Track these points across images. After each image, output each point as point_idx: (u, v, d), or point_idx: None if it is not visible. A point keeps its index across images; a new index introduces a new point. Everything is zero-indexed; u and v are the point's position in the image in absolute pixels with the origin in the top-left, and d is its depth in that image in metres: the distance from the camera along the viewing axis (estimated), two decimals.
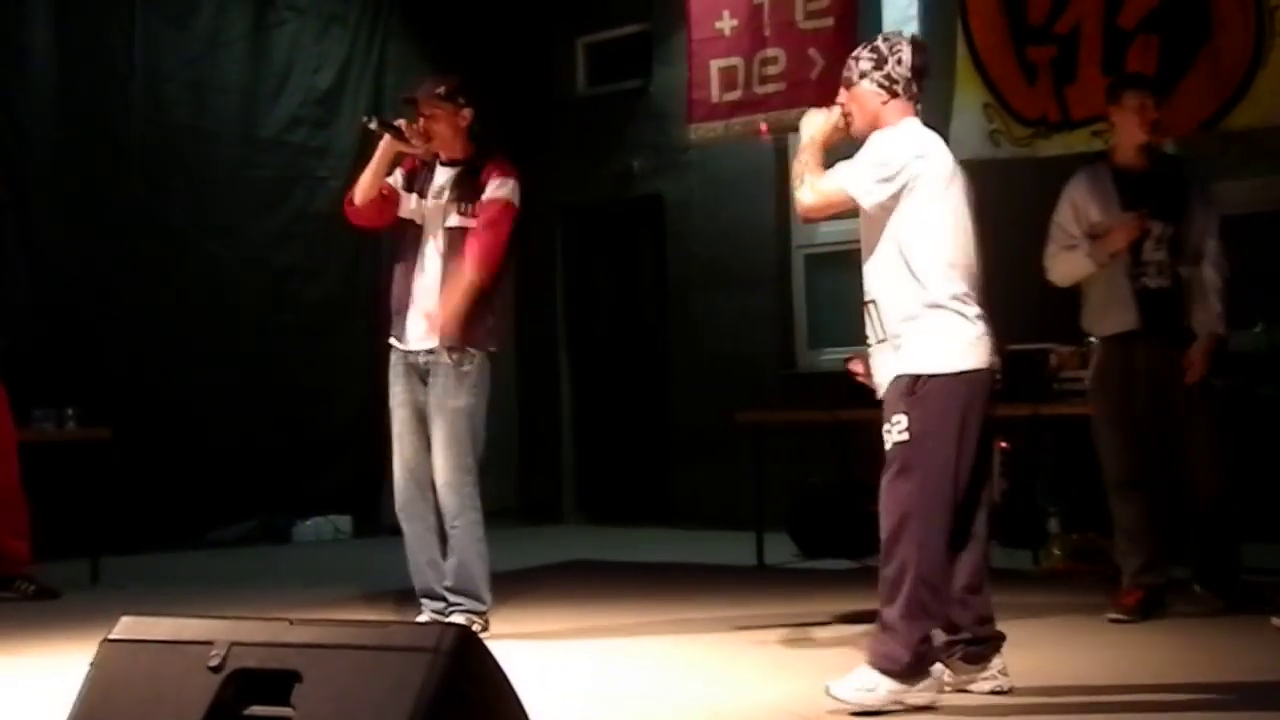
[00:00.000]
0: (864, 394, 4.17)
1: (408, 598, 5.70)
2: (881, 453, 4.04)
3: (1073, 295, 5.62)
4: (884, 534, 3.91)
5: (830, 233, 9.06)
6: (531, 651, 5.01)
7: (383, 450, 5.71)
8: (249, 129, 9.64)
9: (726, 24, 7.99)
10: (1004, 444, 7.56)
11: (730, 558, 7.66)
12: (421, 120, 5.46)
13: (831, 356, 6.62)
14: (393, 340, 5.52)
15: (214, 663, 2.64)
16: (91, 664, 2.76)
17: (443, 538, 5.44)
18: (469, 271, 5.35)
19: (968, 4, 7.19)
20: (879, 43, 4.13)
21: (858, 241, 4.17)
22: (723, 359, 9.81)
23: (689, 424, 10.01)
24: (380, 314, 5.71)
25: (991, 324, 4.03)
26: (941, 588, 3.95)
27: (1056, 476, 7.26)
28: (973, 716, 3.94)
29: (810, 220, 4.44)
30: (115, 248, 8.88)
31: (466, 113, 5.50)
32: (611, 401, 10.79)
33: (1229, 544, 5.50)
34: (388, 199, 5.51)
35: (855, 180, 3.96)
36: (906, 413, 3.89)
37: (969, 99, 7.11)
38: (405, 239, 5.53)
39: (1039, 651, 4.62)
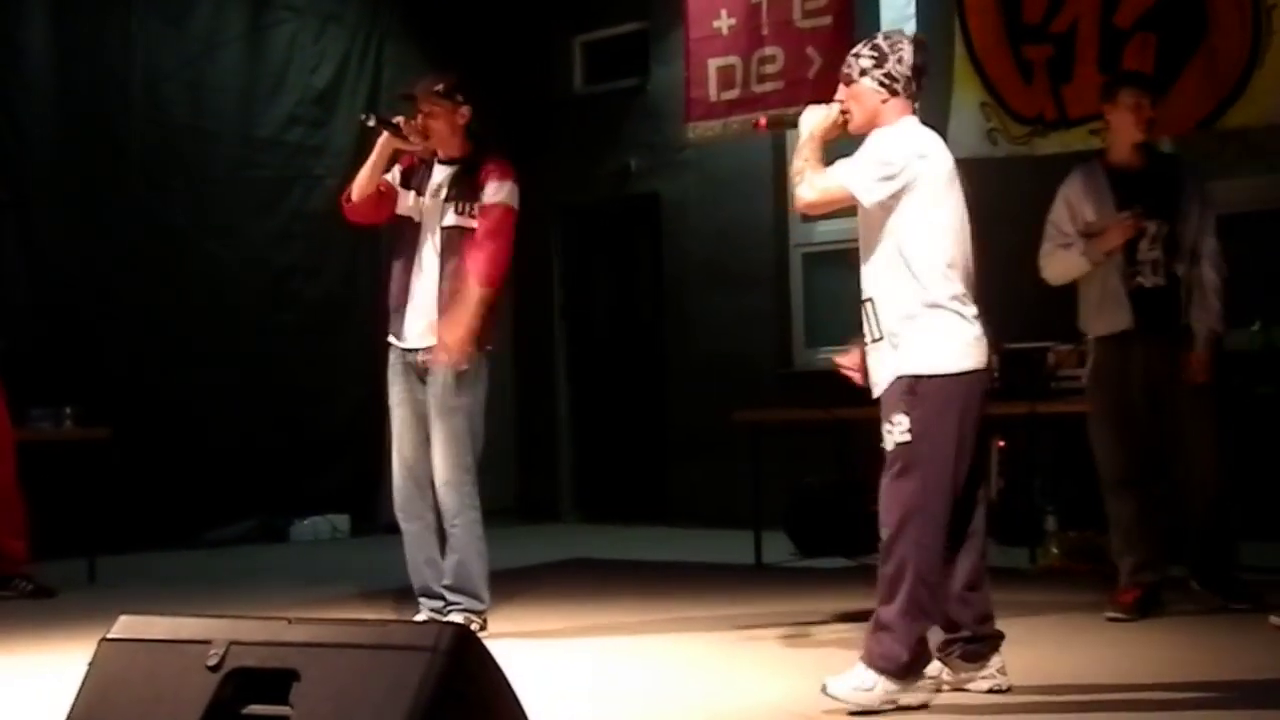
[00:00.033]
0: (858, 392, 4.16)
1: (406, 597, 5.70)
2: (878, 452, 4.05)
3: (1070, 294, 5.62)
4: (884, 533, 3.91)
5: (828, 231, 9.07)
6: (530, 650, 5.01)
7: (381, 449, 5.71)
8: (247, 128, 9.64)
9: (724, 23, 8.01)
10: (1001, 442, 7.57)
11: (728, 556, 7.66)
12: (420, 117, 5.46)
13: (829, 355, 6.60)
14: (391, 338, 5.52)
15: (212, 662, 2.64)
16: (90, 663, 2.76)
17: (441, 537, 5.44)
18: (475, 286, 5.33)
19: (965, 3, 7.20)
20: (879, 40, 4.11)
21: (855, 240, 4.17)
22: (720, 358, 9.81)
23: (686, 423, 10.01)
24: (379, 312, 5.71)
25: (987, 324, 4.03)
26: (938, 587, 3.96)
27: (1054, 475, 7.27)
28: (971, 715, 3.94)
29: (809, 216, 4.45)
30: (114, 247, 8.88)
31: (465, 110, 5.50)
32: (609, 400, 10.79)
33: (1226, 542, 5.50)
34: (385, 195, 5.51)
35: (856, 178, 3.96)
36: (908, 413, 3.89)
37: (966, 98, 7.13)
38: (403, 236, 5.53)
39: (1037, 650, 4.62)
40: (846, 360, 4.34)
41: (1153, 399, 5.44)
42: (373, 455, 9.17)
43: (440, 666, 2.49)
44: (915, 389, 3.90)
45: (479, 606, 5.39)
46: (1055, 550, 6.81)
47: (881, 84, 4.05)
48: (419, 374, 5.44)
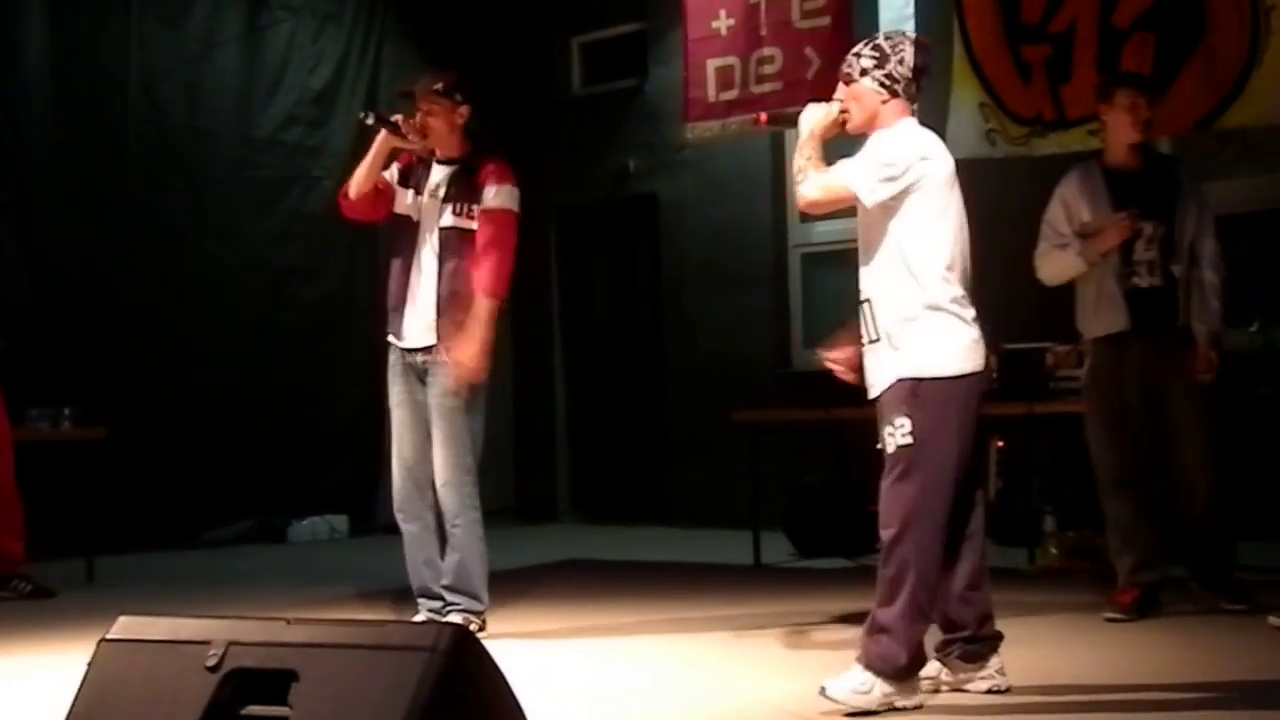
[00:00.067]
0: (857, 392, 4.16)
1: (404, 597, 5.70)
2: (876, 452, 4.05)
3: (1069, 294, 5.62)
4: (885, 536, 3.91)
5: (826, 232, 9.08)
6: (528, 650, 5.01)
7: (380, 450, 5.71)
8: (245, 129, 9.64)
9: (723, 23, 8.02)
10: (1000, 443, 7.57)
11: (727, 557, 7.66)
12: (418, 116, 5.46)
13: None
14: (391, 338, 5.52)
15: (211, 662, 2.64)
16: (89, 663, 2.76)
17: (441, 537, 5.43)
18: (482, 299, 5.33)
19: (964, 3, 7.20)
20: (881, 40, 4.10)
21: (854, 241, 4.16)
22: (719, 358, 9.81)
23: (685, 423, 10.01)
24: (377, 312, 5.70)
25: (984, 325, 4.03)
26: (936, 589, 3.96)
27: (1052, 475, 7.27)
28: (970, 716, 3.94)
29: (811, 214, 4.45)
30: (113, 248, 8.88)
31: (463, 110, 5.50)
32: (607, 401, 10.80)
33: (1224, 543, 5.49)
34: (382, 193, 5.50)
35: (859, 178, 3.95)
36: (910, 416, 3.88)
37: (965, 98, 7.13)
38: (402, 236, 5.52)
39: (1036, 650, 4.62)
40: (834, 355, 4.35)
41: (1149, 400, 5.44)
42: (371, 456, 9.19)
43: (439, 667, 2.50)
44: (917, 391, 3.89)
45: (478, 607, 5.38)
46: (1054, 550, 6.81)
47: (882, 84, 4.04)
48: (419, 375, 5.44)
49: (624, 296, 10.93)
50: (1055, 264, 5.56)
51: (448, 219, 5.41)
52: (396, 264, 5.51)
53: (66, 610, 6.23)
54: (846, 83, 4.11)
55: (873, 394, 4.06)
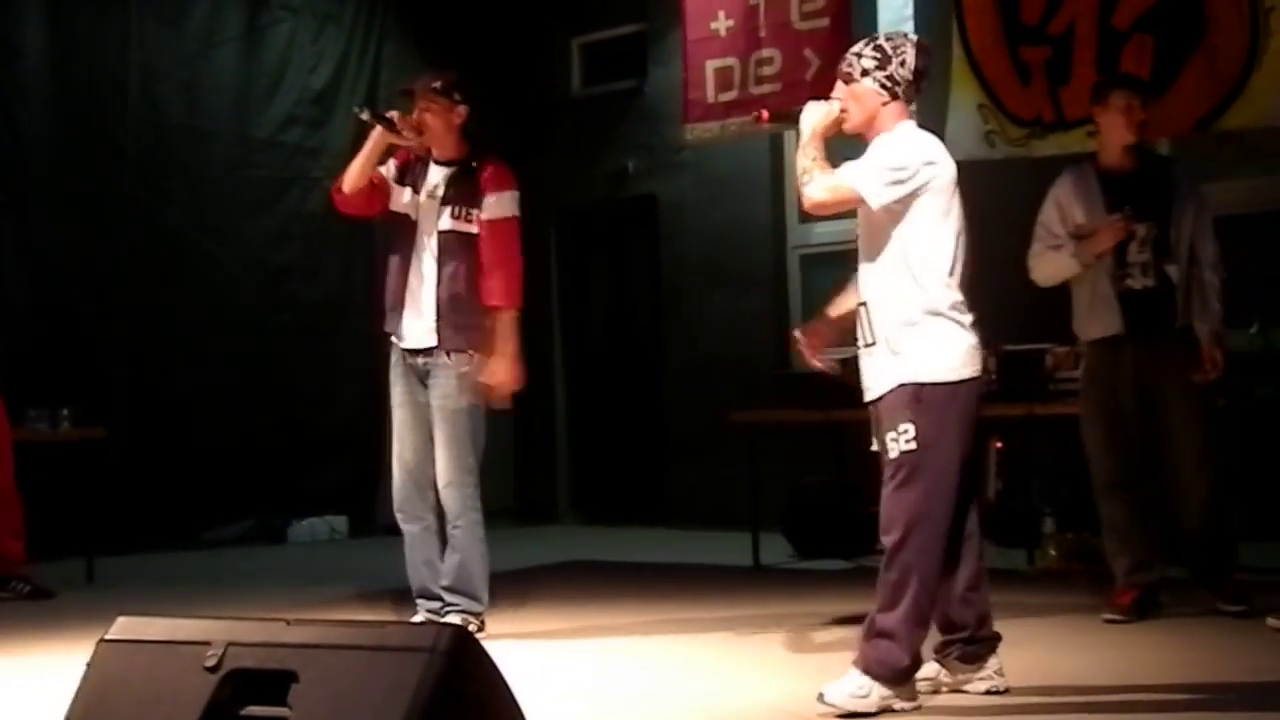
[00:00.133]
0: (856, 393, 4.16)
1: (404, 598, 5.70)
2: (873, 454, 4.06)
3: (1068, 295, 5.62)
4: (888, 541, 3.90)
5: (825, 233, 9.08)
6: (528, 651, 5.01)
7: (379, 450, 5.71)
8: (244, 129, 9.64)
9: (722, 24, 8.02)
10: (999, 444, 7.58)
11: (726, 558, 7.66)
12: (416, 113, 5.45)
13: (828, 357, 6.60)
14: (392, 337, 5.51)
15: (210, 663, 2.64)
16: (88, 664, 2.77)
17: (442, 538, 5.43)
18: (504, 311, 5.41)
19: (963, 4, 7.20)
20: (882, 41, 4.09)
21: (853, 242, 4.16)
22: (718, 359, 9.81)
23: (684, 424, 10.01)
24: (375, 311, 5.70)
25: (981, 329, 4.03)
26: (937, 594, 3.97)
27: (1052, 476, 7.26)
28: (969, 716, 3.94)
29: (816, 215, 4.42)
30: (112, 248, 8.89)
31: (461, 109, 5.49)
32: (607, 401, 10.80)
33: (1222, 544, 5.48)
34: (377, 188, 5.49)
35: (866, 181, 3.93)
36: (913, 421, 3.88)
37: (964, 100, 7.13)
38: (399, 234, 5.51)
39: (1035, 651, 4.62)
40: (805, 338, 4.35)
41: (1144, 402, 5.44)
42: (371, 456, 9.18)
43: (438, 667, 2.50)
44: (920, 396, 3.89)
45: (477, 608, 5.38)
46: (1053, 552, 6.81)
47: (883, 86, 4.03)
48: (420, 376, 5.44)
49: (623, 297, 10.93)
50: (1049, 265, 5.56)
51: (446, 222, 5.41)
52: (394, 262, 5.50)
53: (66, 611, 6.22)
54: (846, 82, 4.09)
55: (869, 397, 4.06)
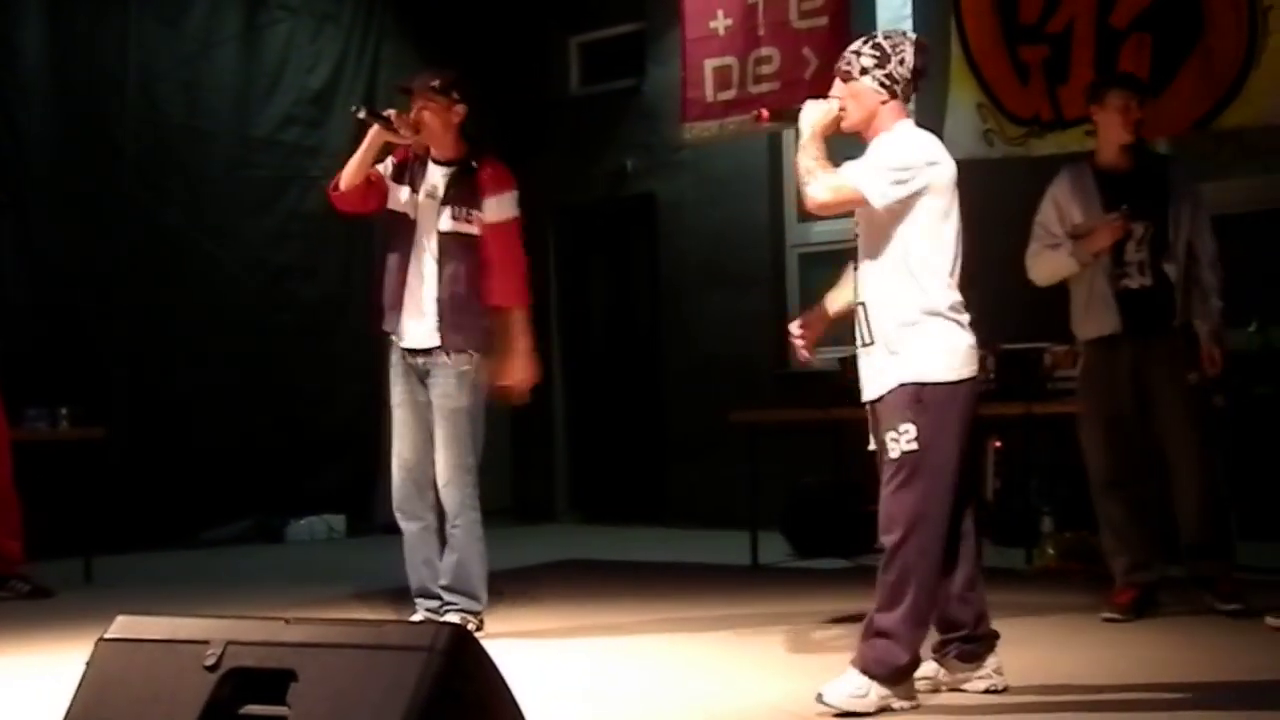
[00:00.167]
0: (855, 393, 4.16)
1: (402, 597, 5.70)
2: (871, 453, 4.06)
3: (1066, 294, 5.62)
4: (887, 541, 3.90)
5: (824, 232, 9.09)
6: (527, 650, 5.01)
7: (378, 450, 5.72)
8: (243, 128, 9.64)
9: (720, 23, 8.02)
10: (998, 443, 7.58)
11: (725, 557, 7.66)
12: (413, 111, 5.45)
13: (826, 356, 6.61)
14: (392, 336, 5.51)
15: (210, 662, 2.64)
16: (87, 663, 2.76)
17: (441, 537, 5.43)
18: (516, 309, 5.50)
19: (961, 3, 7.20)
20: (881, 40, 4.07)
21: (851, 241, 4.16)
22: (717, 358, 9.81)
23: (683, 423, 10.01)
24: (374, 309, 5.69)
25: (978, 329, 4.02)
26: (935, 593, 3.97)
27: (1050, 476, 7.27)
28: (968, 716, 3.94)
29: (819, 215, 4.41)
30: (112, 247, 8.89)
31: (459, 109, 5.48)
32: (606, 401, 10.80)
33: (1220, 544, 5.48)
34: (374, 186, 5.48)
35: (869, 181, 3.92)
36: (914, 421, 3.87)
37: (963, 99, 7.13)
38: (398, 233, 5.50)
39: (1033, 650, 4.63)
40: (799, 330, 4.35)
41: (1141, 400, 5.44)
42: (369, 455, 9.19)
43: (437, 666, 2.50)
44: (920, 397, 3.88)
45: (476, 607, 5.38)
46: (1051, 551, 6.81)
47: (882, 85, 4.02)
48: (420, 375, 5.44)
49: (622, 296, 10.93)
50: (1047, 264, 5.56)
51: (446, 223, 5.41)
52: (393, 260, 5.50)
53: (64, 610, 6.22)
54: (845, 80, 4.08)
55: (866, 397, 4.06)
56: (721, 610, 6.03)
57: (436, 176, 5.47)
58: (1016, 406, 6.55)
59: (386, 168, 5.53)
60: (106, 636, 2.78)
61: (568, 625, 5.69)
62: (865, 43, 4.09)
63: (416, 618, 5.37)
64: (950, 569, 4.02)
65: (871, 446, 4.09)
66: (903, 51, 4.04)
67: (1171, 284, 5.41)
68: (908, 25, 8.07)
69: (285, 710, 2.57)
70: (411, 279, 5.43)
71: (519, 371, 5.51)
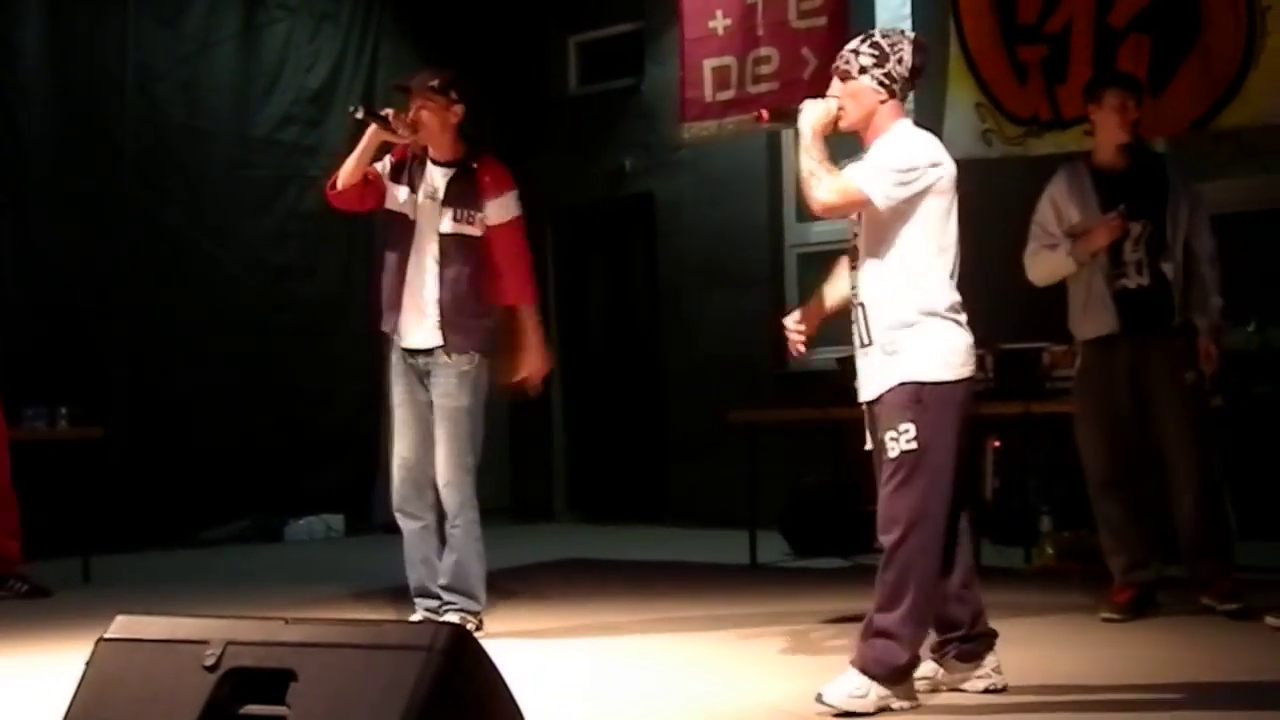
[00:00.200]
0: (854, 392, 4.15)
1: (401, 596, 5.70)
2: (866, 453, 4.06)
3: (1065, 294, 5.62)
4: (887, 541, 3.89)
5: (823, 232, 9.08)
6: (526, 650, 5.01)
7: (376, 450, 5.72)
8: (242, 128, 9.64)
9: (719, 23, 8.02)
10: (997, 443, 7.58)
11: (724, 557, 7.66)
12: (411, 110, 5.44)
13: (825, 356, 6.62)
14: (392, 336, 5.51)
15: (209, 662, 2.64)
16: (87, 663, 2.76)
17: (440, 537, 5.43)
18: (526, 306, 5.55)
19: (960, 3, 7.21)
20: (879, 39, 4.06)
21: (851, 241, 4.16)
22: (716, 358, 9.81)
23: (682, 423, 10.01)
24: (372, 309, 5.70)
25: (975, 329, 4.02)
26: (935, 593, 3.97)
27: (1049, 475, 7.27)
28: (967, 715, 3.94)
29: (824, 217, 4.39)
30: (111, 247, 8.90)
31: (458, 109, 5.47)
32: (604, 400, 10.80)
33: (1219, 542, 5.48)
34: (371, 185, 5.48)
35: (873, 182, 3.91)
36: (914, 421, 3.87)
37: (961, 98, 7.14)
38: (397, 233, 5.49)
39: (1033, 650, 4.63)
40: (796, 324, 4.34)
41: (1139, 400, 5.44)
42: (368, 455, 9.21)
43: (436, 666, 2.50)
44: (920, 396, 3.88)
45: (475, 606, 5.38)
46: (1050, 550, 6.81)
47: (881, 84, 4.01)
48: (420, 375, 5.44)
49: (621, 296, 10.93)
50: (1045, 264, 5.56)
51: (448, 225, 5.40)
52: (392, 260, 5.49)
53: (63, 610, 6.22)
54: (843, 79, 4.07)
55: (864, 397, 4.05)
56: (721, 610, 6.03)
57: (436, 178, 5.46)
58: (1015, 406, 6.56)
59: (384, 167, 5.52)
60: (106, 636, 2.78)
61: (567, 625, 5.69)
62: (863, 42, 4.08)
63: (416, 617, 5.37)
64: (948, 569, 4.02)
65: (868, 446, 4.10)
66: (901, 50, 4.03)
67: (1169, 283, 5.41)
68: (907, 25, 8.08)
69: (285, 710, 2.57)
70: (412, 279, 5.42)
71: (532, 364, 5.56)
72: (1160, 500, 5.49)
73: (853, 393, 4.16)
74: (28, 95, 8.61)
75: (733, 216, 9.92)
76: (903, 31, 4.24)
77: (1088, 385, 5.58)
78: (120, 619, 2.81)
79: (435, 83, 5.44)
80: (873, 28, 6.82)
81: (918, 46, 4.07)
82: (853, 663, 3.91)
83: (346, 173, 5.41)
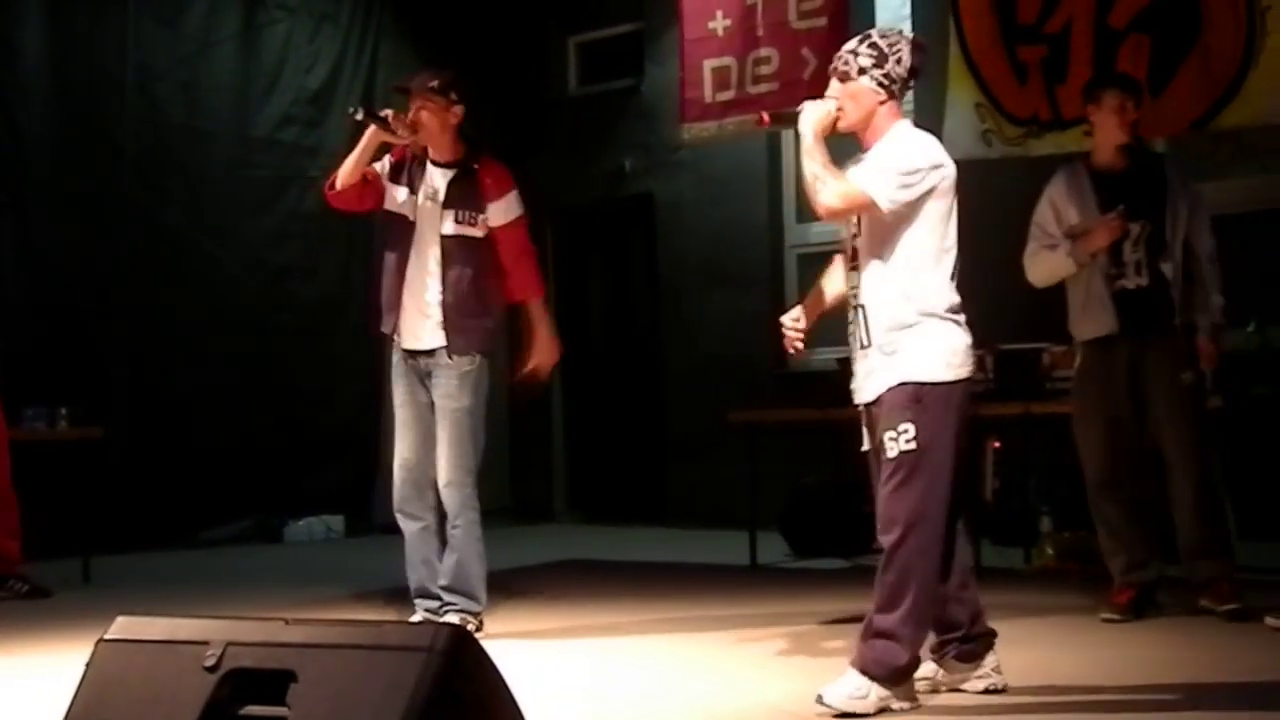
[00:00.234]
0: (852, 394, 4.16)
1: (401, 597, 5.70)
2: (863, 454, 4.06)
3: (1064, 294, 5.62)
4: (886, 541, 3.89)
5: (823, 232, 9.06)
6: (526, 650, 5.01)
7: (376, 450, 5.73)
8: (242, 128, 9.64)
9: (719, 24, 8.03)
10: (997, 443, 7.58)
11: (724, 557, 7.66)
12: (411, 111, 5.44)
13: (825, 356, 6.63)
14: (393, 337, 5.51)
15: (209, 662, 2.64)
16: (87, 664, 2.76)
17: (441, 538, 5.43)
18: (534, 301, 5.63)
19: (960, 4, 7.21)
20: (878, 39, 4.06)
21: (845, 240, 4.16)
22: (716, 358, 9.81)
23: (682, 423, 10.01)
24: (372, 309, 5.70)
25: (974, 330, 4.02)
26: (935, 593, 3.97)
27: (1049, 475, 7.27)
28: (967, 716, 3.95)
29: (829, 220, 4.38)
30: (111, 248, 8.90)
31: (457, 110, 5.47)
32: (604, 401, 10.79)
33: (1218, 542, 5.48)
34: (370, 184, 5.47)
35: (877, 185, 3.90)
36: (914, 421, 3.87)
37: (961, 99, 7.14)
38: (397, 234, 5.49)
39: (1032, 650, 4.63)
40: (792, 322, 4.34)
41: (1138, 401, 5.44)
42: (368, 456, 9.21)
43: (436, 667, 2.50)
44: (919, 396, 3.88)
45: (475, 607, 5.38)
46: (1050, 551, 6.81)
47: (880, 85, 4.01)
48: (421, 376, 5.44)
49: (621, 297, 10.93)
50: (1044, 265, 5.55)
51: (450, 227, 5.40)
52: (391, 261, 5.49)
53: (63, 610, 6.22)
54: (842, 80, 4.06)
55: (863, 398, 4.05)
56: (721, 610, 6.03)
57: (437, 179, 5.46)
58: (1015, 406, 6.55)
59: (383, 167, 5.51)
60: (106, 637, 2.78)
61: (567, 625, 5.69)
62: (862, 42, 4.07)
63: (416, 618, 5.37)
64: (946, 569, 4.02)
65: (865, 447, 4.10)
66: (900, 51, 4.02)
67: (1168, 284, 5.41)
68: (906, 25, 8.08)
69: (285, 711, 2.58)
70: (412, 280, 5.42)
71: (541, 354, 5.62)
72: (1160, 501, 5.49)
73: (852, 393, 4.15)
74: (28, 95, 8.61)
75: (733, 217, 9.92)
76: (901, 32, 4.24)
77: (1087, 386, 5.58)
78: (120, 620, 2.81)
79: (435, 83, 5.44)
80: (873, 28, 6.84)
81: (916, 47, 4.06)
82: (853, 663, 3.91)
83: (345, 173, 5.41)
